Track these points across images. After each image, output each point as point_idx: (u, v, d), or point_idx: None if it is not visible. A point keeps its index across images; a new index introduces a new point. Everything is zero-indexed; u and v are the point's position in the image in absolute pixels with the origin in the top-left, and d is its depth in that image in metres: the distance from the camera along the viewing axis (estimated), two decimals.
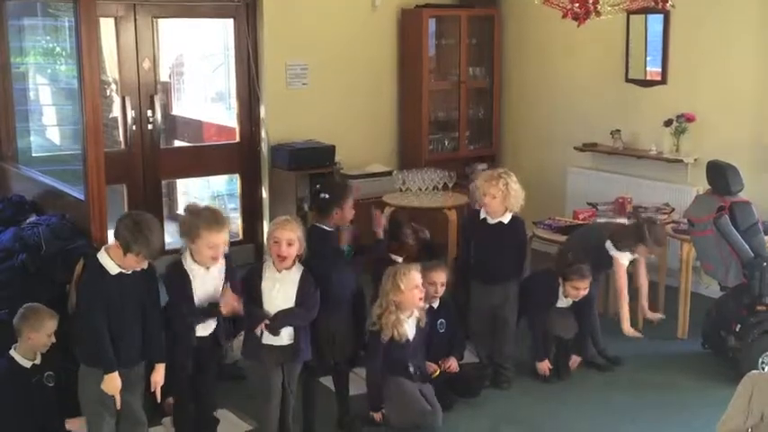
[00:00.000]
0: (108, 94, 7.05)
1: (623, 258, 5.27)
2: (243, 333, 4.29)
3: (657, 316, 5.55)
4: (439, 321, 4.97)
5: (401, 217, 5.06)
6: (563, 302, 5.22)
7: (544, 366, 5.22)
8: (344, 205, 4.47)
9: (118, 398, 3.77)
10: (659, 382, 5.22)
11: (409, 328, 4.44)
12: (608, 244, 5.29)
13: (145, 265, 3.83)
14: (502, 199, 4.94)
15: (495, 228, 5.03)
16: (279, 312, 4.12)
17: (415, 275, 4.40)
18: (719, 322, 5.32)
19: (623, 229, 5.43)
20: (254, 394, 4.28)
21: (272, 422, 4.22)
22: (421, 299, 4.44)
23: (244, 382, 4.58)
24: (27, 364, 4.07)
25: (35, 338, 4.07)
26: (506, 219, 5.02)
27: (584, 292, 5.14)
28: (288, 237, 4.11)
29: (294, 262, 4.17)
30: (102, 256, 3.79)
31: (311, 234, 4.39)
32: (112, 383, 3.74)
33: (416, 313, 4.47)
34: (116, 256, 3.76)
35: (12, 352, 4.10)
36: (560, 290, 5.17)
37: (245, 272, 4.31)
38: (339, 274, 4.41)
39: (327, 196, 4.47)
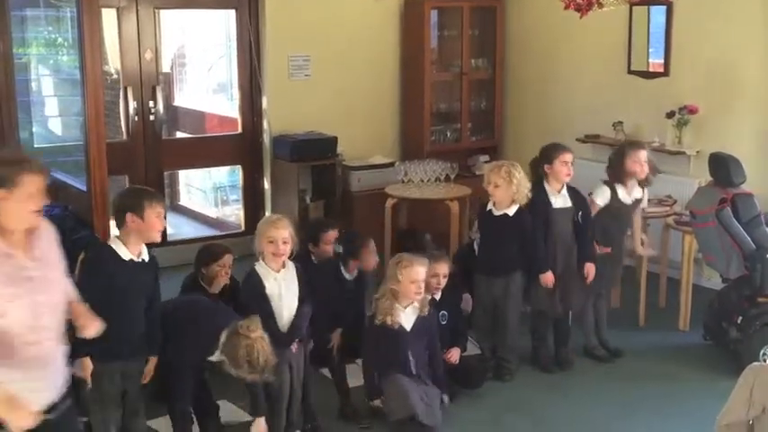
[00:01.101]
0: (110, 84, 7.05)
1: (597, 197, 5.26)
2: None
3: (651, 252, 5.57)
4: (441, 313, 4.97)
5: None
6: (559, 201, 5.11)
7: (549, 278, 5.07)
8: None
9: (89, 379, 3.72)
10: (660, 373, 5.22)
11: (405, 317, 4.44)
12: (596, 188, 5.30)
13: (164, 223, 3.80)
14: (505, 187, 4.94)
15: (499, 219, 5.03)
16: (292, 325, 4.15)
17: (417, 270, 4.39)
18: (721, 314, 5.33)
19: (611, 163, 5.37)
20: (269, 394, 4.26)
21: (284, 417, 4.25)
22: (418, 293, 4.42)
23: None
24: None
25: None
26: (511, 211, 5.01)
27: (571, 170, 5.07)
28: (283, 235, 4.13)
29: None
30: (116, 243, 3.76)
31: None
32: (83, 367, 3.69)
33: (416, 304, 4.48)
34: (129, 239, 3.73)
35: None
36: (548, 189, 5.09)
37: (244, 284, 4.25)
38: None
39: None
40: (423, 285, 4.43)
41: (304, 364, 4.43)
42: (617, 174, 5.30)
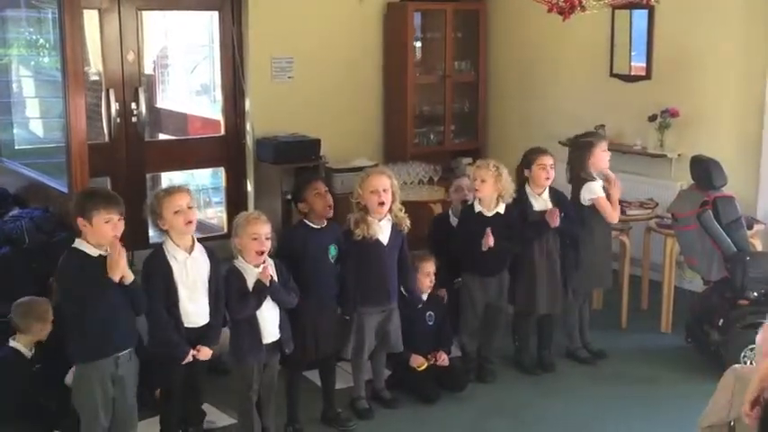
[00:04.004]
0: (91, 86, 7.01)
1: (597, 191, 5.21)
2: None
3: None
4: (428, 314, 4.99)
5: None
6: (540, 204, 5.10)
7: (555, 215, 5.03)
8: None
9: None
10: (643, 375, 5.24)
11: (381, 231, 4.56)
12: (583, 191, 5.24)
13: (119, 228, 3.70)
14: (492, 183, 4.92)
15: (490, 219, 5.01)
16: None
17: (375, 179, 4.54)
18: (702, 316, 5.35)
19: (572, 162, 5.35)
20: (237, 391, 4.26)
21: (255, 419, 4.23)
22: (381, 204, 4.51)
23: (226, 376, 4.57)
24: (28, 354, 4.08)
25: (45, 328, 4.08)
26: (501, 209, 5.01)
27: (552, 173, 5.08)
28: (266, 231, 4.10)
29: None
30: (80, 243, 3.70)
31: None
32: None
33: (389, 217, 4.59)
34: (91, 236, 3.67)
35: (14, 343, 4.09)
36: (528, 192, 5.10)
37: (225, 283, 4.14)
38: (324, 270, 4.46)
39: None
40: (384, 196, 4.52)
41: (293, 365, 4.44)
42: (587, 168, 5.27)
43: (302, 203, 4.47)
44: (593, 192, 5.22)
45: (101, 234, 3.66)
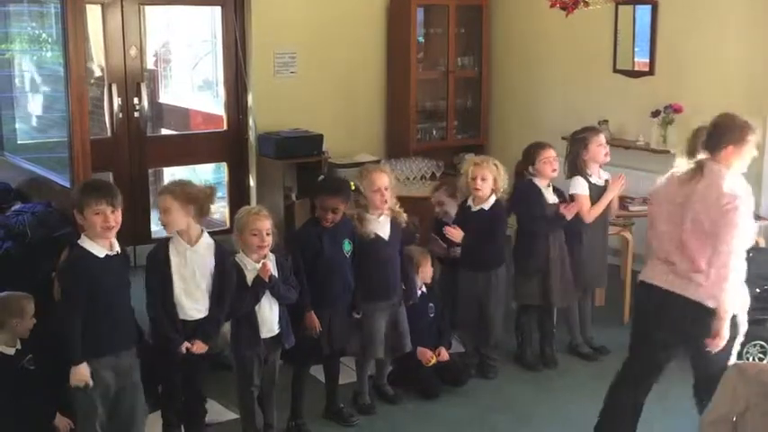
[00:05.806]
0: (94, 81, 7.01)
1: (580, 188, 5.20)
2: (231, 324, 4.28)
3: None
4: (429, 305, 5.00)
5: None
6: (550, 197, 5.13)
7: (573, 208, 5.05)
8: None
9: (90, 382, 3.64)
10: None
11: (381, 227, 4.56)
12: (570, 184, 5.26)
13: (111, 219, 3.66)
14: (492, 180, 4.96)
15: (478, 214, 5.03)
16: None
17: (375, 177, 4.52)
18: None
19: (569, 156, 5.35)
20: (238, 386, 4.26)
21: (256, 413, 4.24)
22: (384, 201, 4.53)
23: (229, 371, 4.57)
24: (11, 351, 4.04)
25: (22, 325, 4.04)
26: (488, 204, 5.02)
27: (556, 165, 5.10)
28: (267, 227, 4.09)
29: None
30: (85, 241, 3.67)
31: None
32: (79, 373, 3.60)
33: (387, 212, 4.58)
34: (93, 234, 3.65)
35: None
36: (542, 187, 5.11)
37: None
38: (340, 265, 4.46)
39: None
40: (386, 193, 4.53)
41: (302, 361, 4.45)
42: (581, 164, 5.26)
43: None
44: (576, 187, 5.22)
45: (91, 224, 3.63)
